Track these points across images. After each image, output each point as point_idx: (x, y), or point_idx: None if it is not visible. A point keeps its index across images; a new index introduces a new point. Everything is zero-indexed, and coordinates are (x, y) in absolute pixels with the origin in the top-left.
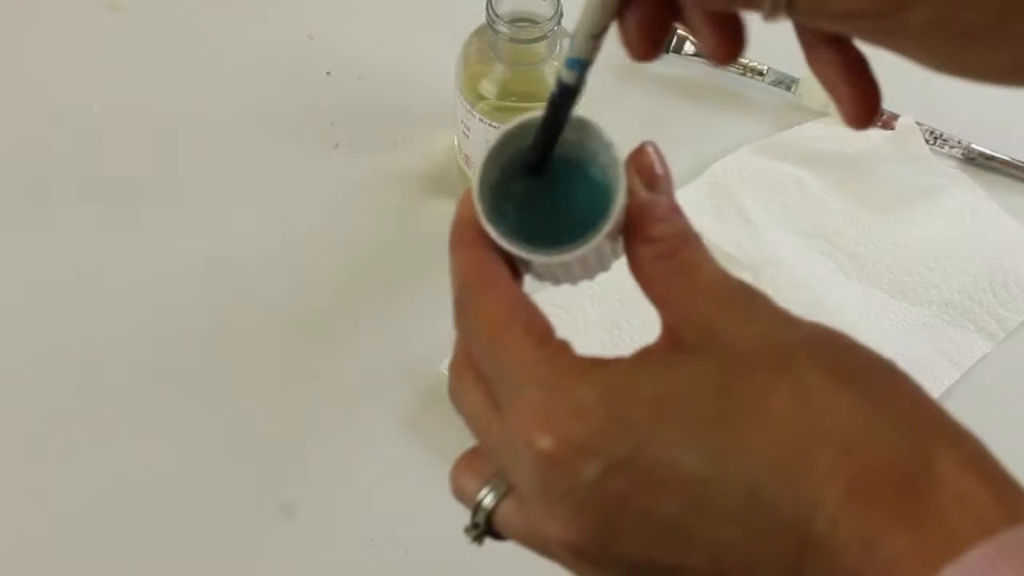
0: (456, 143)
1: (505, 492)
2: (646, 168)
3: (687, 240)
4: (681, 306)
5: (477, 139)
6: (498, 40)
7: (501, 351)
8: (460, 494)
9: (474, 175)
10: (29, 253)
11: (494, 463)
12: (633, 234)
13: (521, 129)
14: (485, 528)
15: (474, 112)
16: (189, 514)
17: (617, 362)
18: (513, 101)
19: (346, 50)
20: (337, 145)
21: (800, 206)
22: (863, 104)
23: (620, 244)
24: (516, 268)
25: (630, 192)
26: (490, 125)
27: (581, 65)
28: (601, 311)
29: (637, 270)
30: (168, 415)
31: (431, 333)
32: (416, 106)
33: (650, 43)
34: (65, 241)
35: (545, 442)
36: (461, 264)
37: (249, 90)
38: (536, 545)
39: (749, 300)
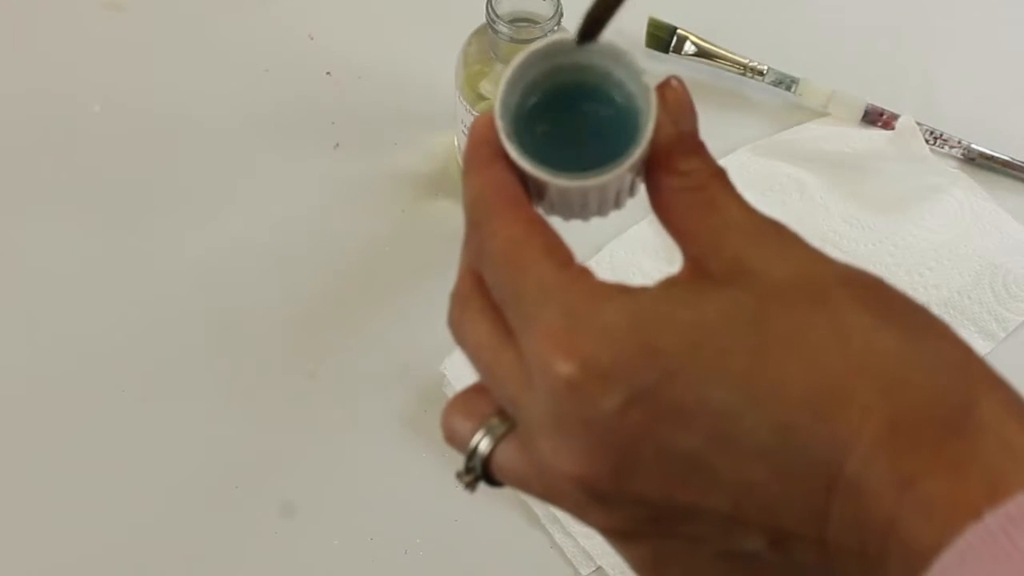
0: (456, 143)
1: (503, 433)
2: (673, 101)
3: (715, 175)
4: (708, 239)
5: None
6: (498, 40)
7: (519, 272)
8: (453, 437)
9: (496, 94)
10: (29, 253)
11: (499, 397)
12: (658, 166)
13: (546, 51)
14: (480, 474)
15: (474, 112)
16: (189, 514)
17: (644, 289)
18: None
19: (346, 50)
20: (337, 145)
21: (800, 206)
22: None
23: (639, 180)
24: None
25: (657, 124)
26: None
27: None
28: None
29: (660, 202)
30: (168, 415)
31: (431, 333)
32: (416, 106)
33: None
34: (65, 241)
35: (566, 367)
36: (478, 183)
37: (249, 90)
38: (539, 488)
39: (780, 235)
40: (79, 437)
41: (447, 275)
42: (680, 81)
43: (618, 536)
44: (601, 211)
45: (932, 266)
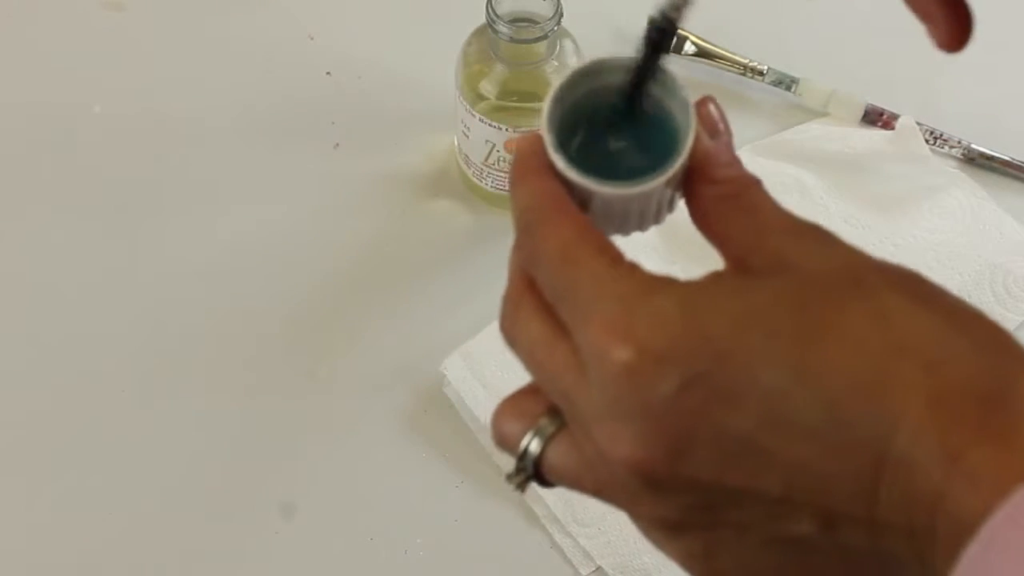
0: (456, 143)
1: (553, 432)
2: (708, 118)
3: (751, 183)
4: (748, 239)
5: (477, 139)
6: (498, 40)
7: (574, 268)
8: (503, 440)
9: (543, 109)
10: (29, 253)
11: (551, 392)
12: (696, 176)
13: (591, 69)
14: (531, 474)
15: (474, 112)
16: (189, 514)
17: (692, 281)
18: (513, 101)
19: (346, 50)
20: (337, 145)
21: (800, 206)
22: (958, 22)
23: (678, 195)
24: None
25: (695, 137)
26: (490, 125)
27: None
28: None
29: (700, 210)
30: (168, 415)
31: (431, 333)
32: (416, 106)
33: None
34: (65, 241)
35: (623, 353)
36: (528, 192)
37: (249, 90)
38: (591, 482)
39: (819, 233)
40: (78, 437)
41: (447, 275)
42: (715, 100)
43: (669, 528)
44: (642, 225)
45: (932, 266)
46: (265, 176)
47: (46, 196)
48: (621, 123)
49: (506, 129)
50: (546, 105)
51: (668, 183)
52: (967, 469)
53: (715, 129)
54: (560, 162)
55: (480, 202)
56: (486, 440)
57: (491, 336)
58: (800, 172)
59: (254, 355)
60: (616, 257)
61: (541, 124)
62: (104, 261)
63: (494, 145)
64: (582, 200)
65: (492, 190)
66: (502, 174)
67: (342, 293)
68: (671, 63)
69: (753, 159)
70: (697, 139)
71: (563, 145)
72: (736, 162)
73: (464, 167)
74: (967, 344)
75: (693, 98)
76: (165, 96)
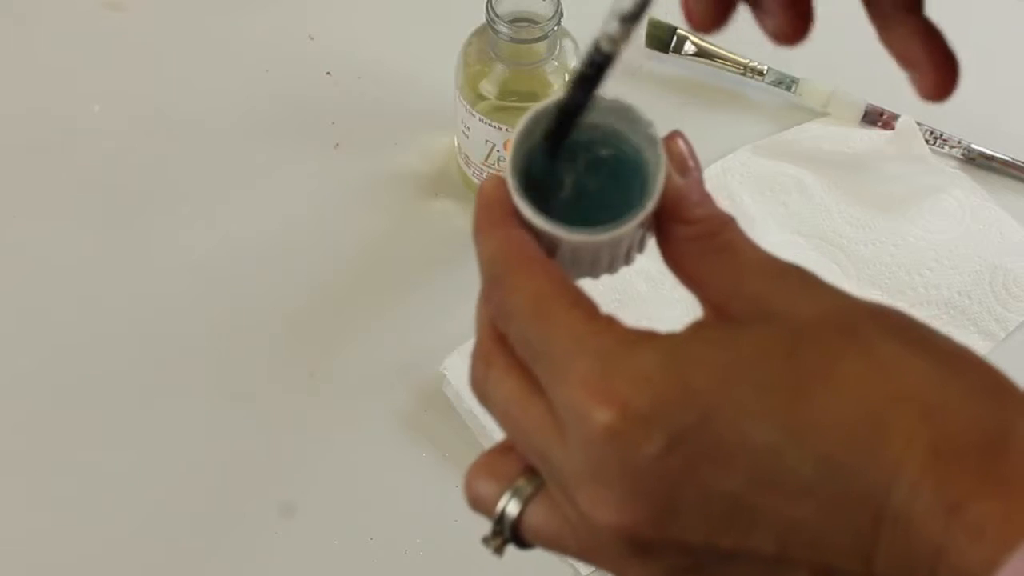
0: (456, 143)
1: (531, 494)
2: (678, 155)
3: (725, 222)
4: (726, 282)
5: (477, 139)
6: (498, 40)
7: (548, 324)
8: (477, 502)
9: (507, 154)
10: (28, 253)
11: (528, 453)
12: (668, 217)
13: (552, 109)
14: (509, 537)
15: (474, 112)
16: (189, 514)
17: (673, 334)
18: (513, 101)
19: (346, 50)
20: (337, 145)
21: (800, 206)
22: (944, 70)
23: (648, 234)
24: None
25: (665, 176)
26: (490, 125)
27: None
28: None
29: (673, 253)
30: (167, 415)
31: (431, 333)
32: (416, 106)
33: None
34: (64, 240)
35: (604, 415)
36: (493, 243)
37: (249, 90)
38: (575, 545)
39: (800, 275)
40: (78, 437)
41: (447, 275)
42: (682, 134)
43: None
44: (612, 268)
45: (932, 266)
46: (265, 176)
47: (45, 196)
48: (589, 161)
49: (506, 129)
50: (510, 148)
51: (639, 226)
52: (970, 521)
53: (685, 166)
54: (527, 209)
55: None
56: (486, 440)
57: None
58: (800, 172)
59: (254, 355)
60: (591, 310)
61: (505, 168)
62: (103, 261)
63: (494, 145)
64: (549, 246)
65: None
66: None
67: (342, 293)
68: (672, 64)
69: (753, 159)
70: (668, 177)
71: (529, 187)
72: (708, 199)
73: (464, 167)
74: (963, 390)
75: (662, 132)
76: (165, 96)
